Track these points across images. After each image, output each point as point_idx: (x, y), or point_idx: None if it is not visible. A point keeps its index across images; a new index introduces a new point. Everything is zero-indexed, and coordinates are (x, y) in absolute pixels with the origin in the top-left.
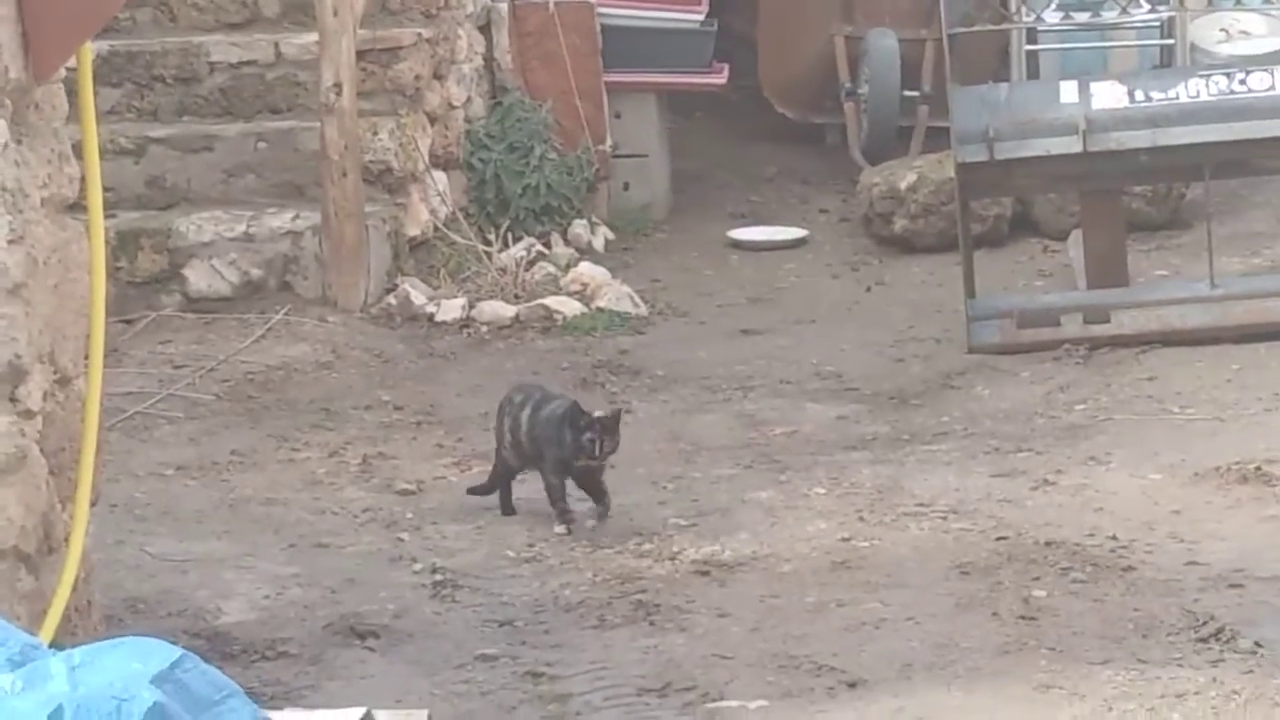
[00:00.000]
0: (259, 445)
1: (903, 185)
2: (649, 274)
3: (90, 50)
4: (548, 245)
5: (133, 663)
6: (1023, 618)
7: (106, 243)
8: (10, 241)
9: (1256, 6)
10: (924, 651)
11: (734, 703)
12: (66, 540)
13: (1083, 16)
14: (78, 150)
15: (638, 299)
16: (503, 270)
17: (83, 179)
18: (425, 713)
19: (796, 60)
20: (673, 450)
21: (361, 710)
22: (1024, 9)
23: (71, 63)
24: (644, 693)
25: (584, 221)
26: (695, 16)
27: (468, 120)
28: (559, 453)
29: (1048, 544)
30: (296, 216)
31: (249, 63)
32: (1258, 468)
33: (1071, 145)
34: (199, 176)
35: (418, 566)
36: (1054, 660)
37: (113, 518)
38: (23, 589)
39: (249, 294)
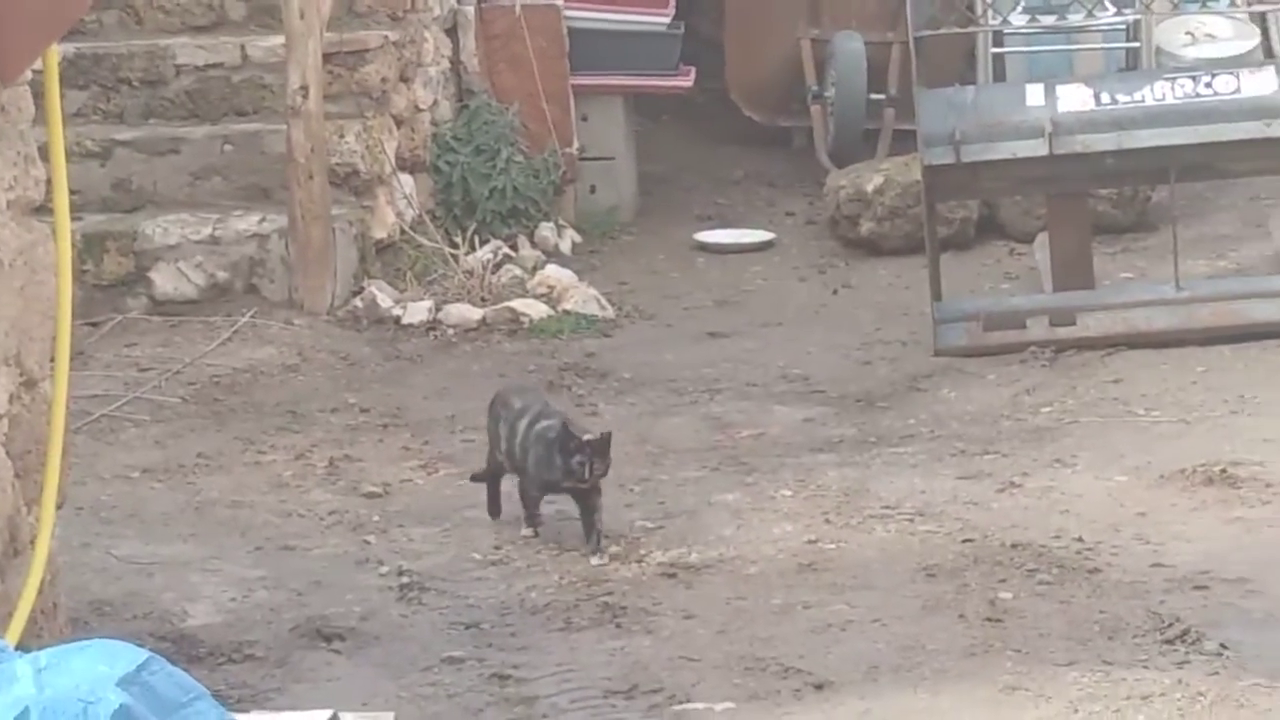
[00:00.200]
0: (225, 448)
1: (869, 188)
2: (616, 276)
3: (57, 53)
4: (514, 248)
5: (99, 665)
6: (989, 620)
7: (73, 245)
8: None
9: (1222, 9)
10: (890, 653)
11: (700, 705)
12: (32, 543)
13: (1049, 19)
14: (44, 153)
15: (604, 301)
16: (469, 273)
17: (49, 181)
18: (391, 715)
19: (763, 63)
20: (639, 453)
21: (328, 713)
22: (990, 12)
23: (38, 65)
24: (610, 695)
25: (551, 224)
26: (662, 19)
27: (434, 123)
28: (546, 475)
29: (1014, 546)
30: (263, 219)
31: (215, 65)
32: (1223, 470)
33: (1038, 148)
34: (165, 179)
35: (384, 569)
36: (1020, 662)
37: (79, 520)
38: None
39: (215, 297)
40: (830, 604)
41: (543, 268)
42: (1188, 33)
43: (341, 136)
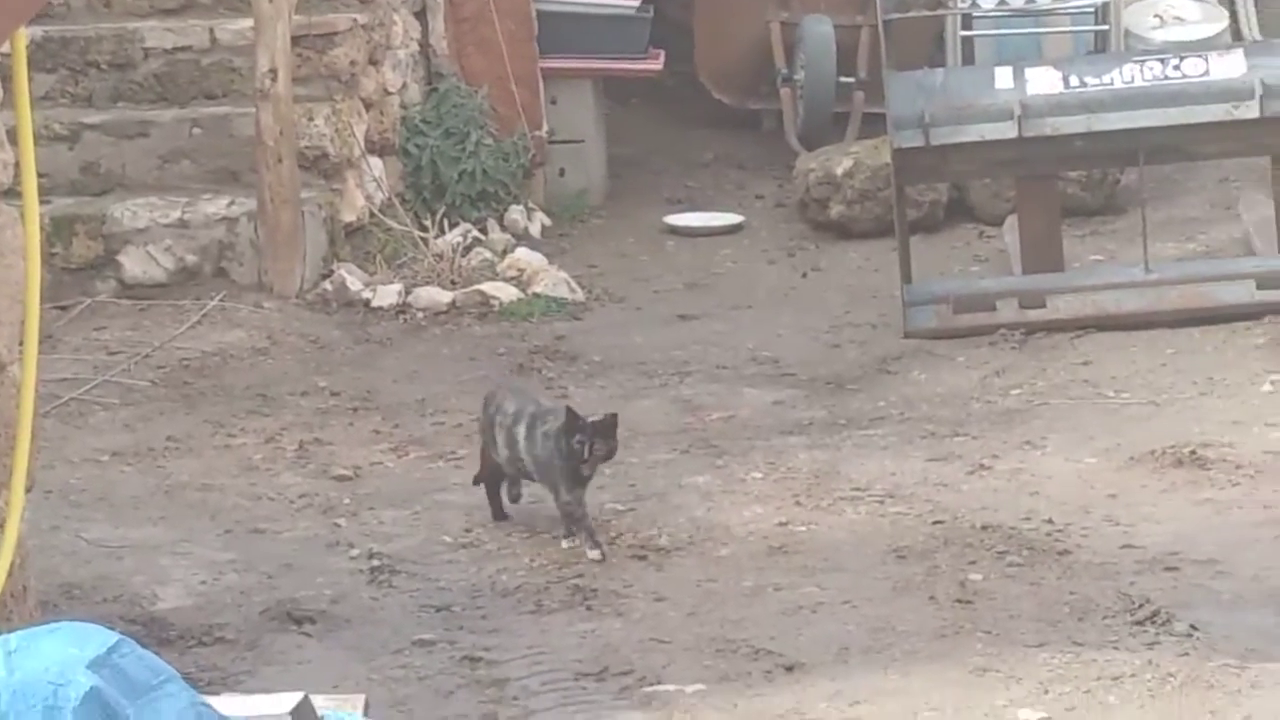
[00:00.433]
0: (195, 431)
1: (839, 171)
2: (585, 259)
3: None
4: (484, 231)
5: (69, 648)
6: (959, 601)
7: (41, 229)
8: None
9: None
10: (861, 635)
11: (671, 686)
12: (1, 526)
13: (1018, 2)
14: (12, 136)
15: (574, 284)
16: (439, 256)
17: (17, 165)
18: (362, 697)
19: (732, 46)
20: None
21: (299, 695)
22: None
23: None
24: (581, 677)
25: (520, 207)
26: (631, 2)
27: (403, 106)
28: (568, 464)
29: (984, 528)
30: (232, 203)
31: (184, 48)
32: (1192, 451)
33: (1007, 131)
34: (134, 162)
35: (355, 552)
36: (990, 643)
37: (48, 504)
38: None
39: (184, 280)
40: (801, 586)
41: (512, 251)
42: (1156, 16)
43: (310, 119)
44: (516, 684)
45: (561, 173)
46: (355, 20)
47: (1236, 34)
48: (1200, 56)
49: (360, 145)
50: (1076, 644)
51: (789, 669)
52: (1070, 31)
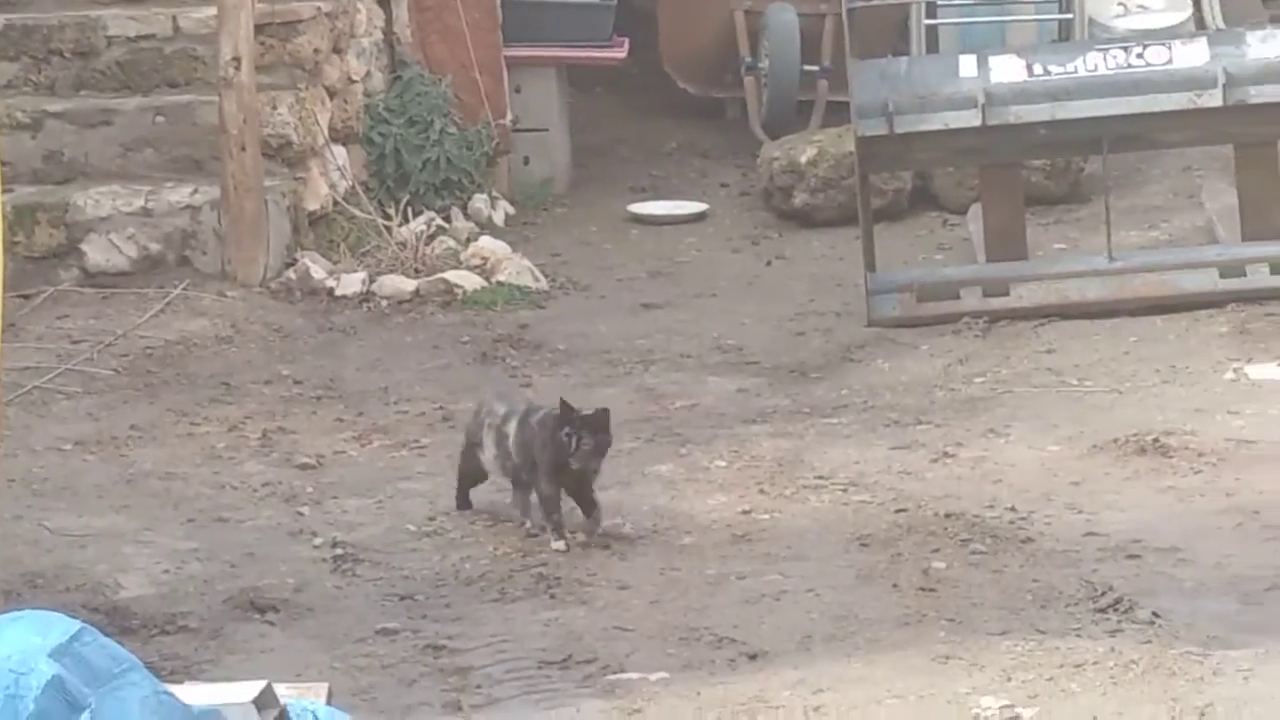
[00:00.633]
0: (158, 420)
1: (803, 159)
2: (549, 248)
3: None
4: (448, 219)
5: (31, 636)
6: (922, 589)
7: (3, 217)
8: None
9: None
10: (824, 623)
11: (635, 675)
12: None
13: None
14: None
15: (538, 273)
16: (403, 244)
17: None
18: (325, 686)
19: (697, 35)
20: None
21: (261, 684)
22: None
23: None
24: (545, 665)
25: (484, 196)
26: None
27: (367, 94)
28: (554, 456)
29: (947, 516)
30: (195, 191)
31: (147, 36)
32: (1155, 439)
33: (970, 119)
34: (96, 151)
35: (318, 540)
36: (953, 631)
37: (11, 493)
38: None
39: (147, 269)
40: (764, 574)
41: (476, 239)
42: (1120, 4)
43: (274, 108)
44: (480, 672)
45: (525, 161)
46: (319, 8)
47: (1200, 22)
48: (1164, 45)
49: (324, 133)
50: (1039, 631)
51: (752, 657)
52: (1034, 20)
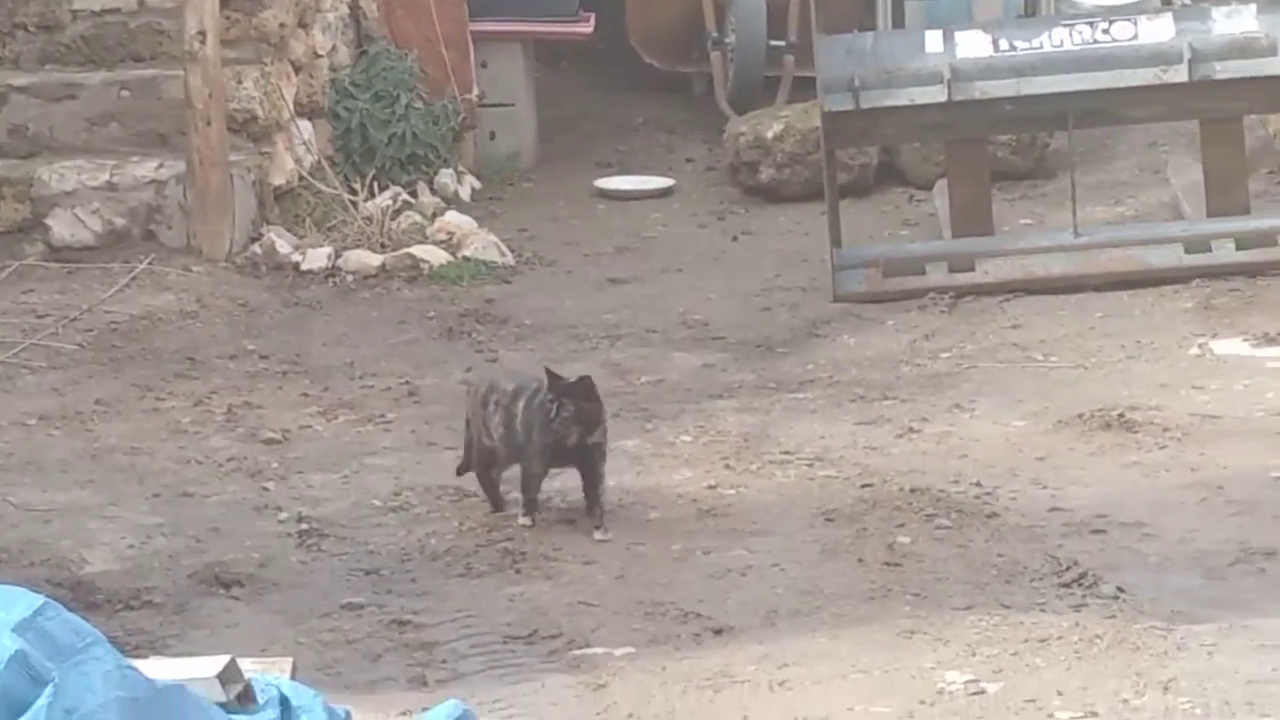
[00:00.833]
0: (123, 395)
1: (769, 135)
2: (516, 223)
3: None
4: (414, 194)
5: None
6: (887, 564)
7: None
8: None
9: None
10: (789, 598)
11: (600, 650)
12: None
13: None
14: None
15: (504, 248)
16: (368, 219)
17: None
18: (290, 661)
19: (663, 10)
20: None
21: (225, 658)
22: None
23: None
24: (510, 640)
25: (450, 171)
26: None
27: (333, 69)
28: (542, 437)
29: (912, 491)
30: (161, 165)
31: (112, 10)
32: (1120, 414)
33: (936, 94)
34: (62, 125)
35: (283, 515)
36: (918, 606)
37: None
38: None
39: (113, 243)
40: (729, 549)
41: (442, 214)
42: None
43: (239, 82)
44: (445, 647)
45: (492, 136)
46: None
47: None
48: (1129, 20)
49: (289, 108)
50: (1004, 606)
51: (717, 632)
52: None
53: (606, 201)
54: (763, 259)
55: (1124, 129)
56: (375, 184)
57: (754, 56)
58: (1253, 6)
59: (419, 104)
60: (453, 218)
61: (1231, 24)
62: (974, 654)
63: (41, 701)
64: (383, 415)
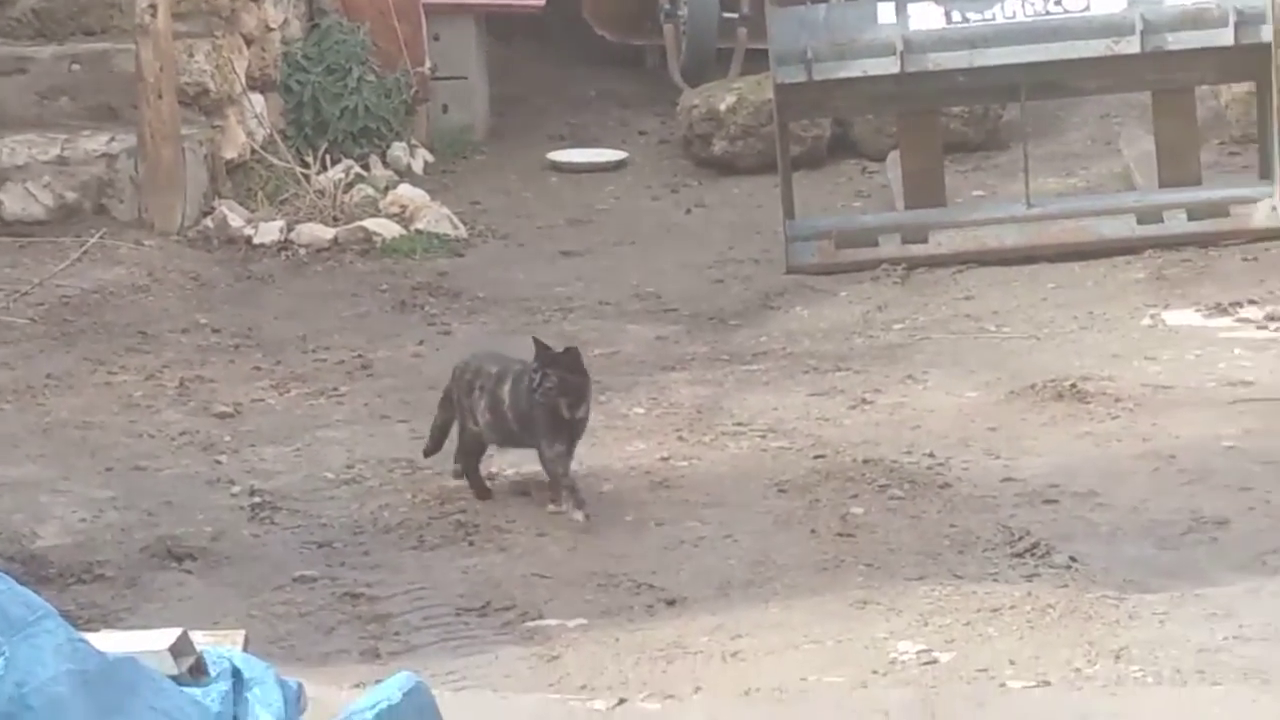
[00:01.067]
0: (74, 369)
1: (722, 107)
2: (468, 196)
3: None
4: (366, 168)
5: None
6: (840, 535)
7: None
8: None
9: None
10: (742, 569)
11: (553, 621)
12: None
13: None
14: None
15: (457, 221)
16: (321, 193)
17: None
18: (242, 633)
19: None
20: None
21: (177, 631)
22: None
23: None
24: (463, 612)
25: (403, 144)
26: None
27: (285, 42)
28: (545, 415)
29: (865, 462)
30: (112, 139)
31: None
32: (1072, 385)
33: (889, 66)
34: (12, 99)
35: (236, 489)
36: (871, 576)
37: None
38: None
39: (64, 217)
40: (683, 520)
41: (395, 187)
42: None
43: (191, 55)
44: (398, 619)
45: (444, 109)
46: None
47: None
48: None
49: (241, 82)
50: (956, 576)
51: (670, 603)
52: None
53: (559, 174)
54: (716, 231)
55: (1076, 100)
56: (327, 157)
57: (706, 29)
58: None
59: (371, 77)
60: (405, 191)
61: None
62: (926, 624)
63: None
64: (335, 388)
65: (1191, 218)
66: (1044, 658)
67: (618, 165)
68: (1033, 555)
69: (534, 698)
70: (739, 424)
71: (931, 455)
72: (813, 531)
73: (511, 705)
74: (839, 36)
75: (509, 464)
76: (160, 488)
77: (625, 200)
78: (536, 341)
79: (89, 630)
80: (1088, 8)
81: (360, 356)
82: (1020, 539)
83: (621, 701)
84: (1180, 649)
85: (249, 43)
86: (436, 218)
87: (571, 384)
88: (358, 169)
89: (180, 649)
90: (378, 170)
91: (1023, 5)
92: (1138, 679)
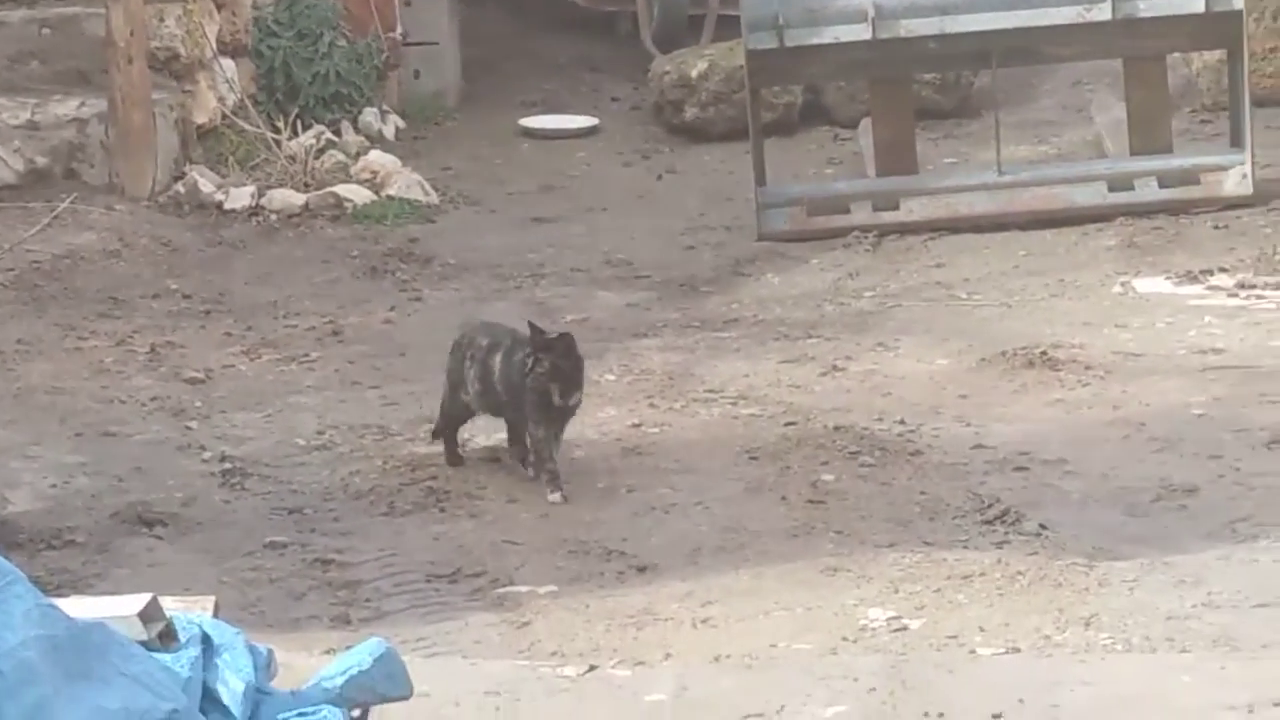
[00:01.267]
0: (45, 334)
1: (694, 73)
2: (440, 162)
3: None
4: (337, 133)
5: None
6: (811, 502)
7: None
8: None
9: None
10: (713, 535)
11: (524, 587)
12: None
13: None
14: None
15: (428, 187)
16: (292, 158)
17: None
18: (212, 599)
19: None
20: None
21: (147, 597)
22: None
23: None
24: (434, 579)
25: (374, 110)
26: None
27: (256, 7)
28: (534, 399)
29: (836, 429)
30: (82, 104)
31: None
32: (1043, 352)
33: (860, 33)
34: None
35: (206, 455)
36: (841, 543)
37: None
38: None
39: (34, 182)
40: (654, 487)
41: (366, 153)
42: None
43: (161, 20)
44: (369, 586)
45: (416, 75)
46: None
47: None
48: None
49: (212, 46)
50: (927, 543)
51: (641, 570)
52: None
53: (531, 140)
54: (687, 198)
55: (1048, 68)
56: (299, 123)
57: None
58: None
59: (342, 42)
60: (376, 156)
61: None
62: (896, 591)
63: None
64: (306, 354)
65: (1162, 185)
66: (1014, 625)
67: (589, 131)
68: (1003, 522)
69: (504, 664)
70: (710, 391)
71: (902, 422)
72: (783, 498)
73: (482, 671)
74: (811, 3)
75: (478, 429)
76: (131, 453)
77: (597, 167)
78: (531, 325)
79: (59, 596)
80: None
81: (331, 322)
82: (990, 506)
83: (592, 668)
84: (1149, 616)
85: (220, 7)
86: (408, 183)
87: (564, 371)
88: (329, 135)
89: (150, 615)
90: (349, 136)
91: None
92: (1107, 646)
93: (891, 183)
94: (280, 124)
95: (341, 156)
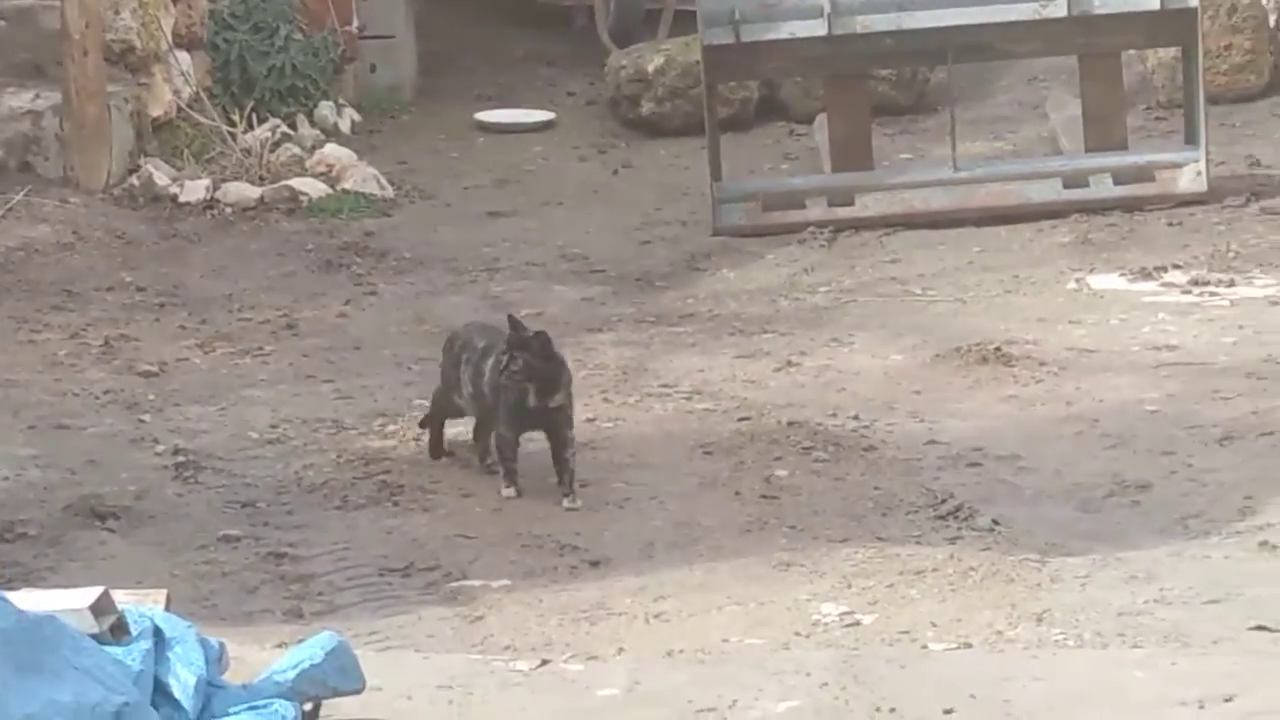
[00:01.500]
0: None
1: (650, 68)
2: (395, 156)
3: None
4: (293, 127)
5: None
6: (764, 497)
7: None
8: None
9: None
10: (666, 530)
11: (477, 582)
12: None
13: None
14: None
15: (384, 181)
16: (247, 152)
17: None
18: (164, 593)
19: None
20: (418, 332)
21: (98, 590)
22: None
23: None
24: (387, 573)
25: (330, 103)
26: None
27: (211, 0)
28: (508, 399)
29: (790, 424)
30: (37, 96)
31: None
32: (997, 348)
33: (817, 28)
34: None
35: (160, 448)
36: (794, 539)
37: None
38: None
39: None
40: (607, 482)
41: (321, 147)
42: None
43: (117, 12)
44: (322, 579)
45: (372, 69)
46: None
47: None
48: None
49: (167, 39)
50: (880, 539)
51: (594, 564)
52: None
53: (486, 135)
54: (643, 193)
55: (1004, 64)
56: (254, 116)
57: None
58: None
59: (298, 36)
60: (332, 150)
61: None
62: (849, 586)
63: None
64: (260, 348)
65: (1117, 182)
66: (966, 620)
67: (545, 126)
68: (956, 518)
69: (457, 658)
70: (664, 385)
71: (856, 418)
72: (737, 493)
73: (434, 665)
74: None
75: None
76: (84, 446)
77: (552, 161)
78: (511, 320)
79: (10, 589)
80: None
81: (286, 316)
82: (943, 502)
83: (544, 662)
84: (1101, 612)
85: (175, 0)
86: (363, 177)
87: (542, 371)
88: (284, 128)
89: (101, 608)
90: (304, 129)
91: None
92: (1059, 641)
93: (847, 178)
94: (236, 117)
95: (297, 150)
